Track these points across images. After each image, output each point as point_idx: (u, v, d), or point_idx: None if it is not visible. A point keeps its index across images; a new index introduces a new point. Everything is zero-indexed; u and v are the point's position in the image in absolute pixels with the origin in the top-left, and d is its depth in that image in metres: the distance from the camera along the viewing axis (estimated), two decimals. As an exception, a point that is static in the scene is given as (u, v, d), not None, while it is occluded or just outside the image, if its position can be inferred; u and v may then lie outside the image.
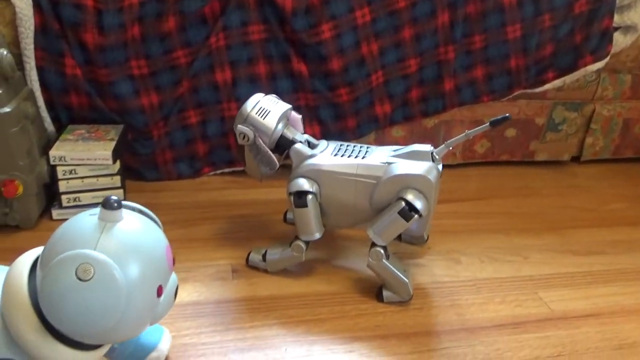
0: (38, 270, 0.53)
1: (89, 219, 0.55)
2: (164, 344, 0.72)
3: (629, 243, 1.10)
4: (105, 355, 0.68)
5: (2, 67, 0.93)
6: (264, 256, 0.94)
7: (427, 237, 1.05)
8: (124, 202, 0.57)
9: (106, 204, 0.54)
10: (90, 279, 0.50)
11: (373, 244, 0.86)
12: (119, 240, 0.53)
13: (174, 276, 0.60)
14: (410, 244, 1.05)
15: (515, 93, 1.28)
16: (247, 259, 0.96)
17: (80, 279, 0.50)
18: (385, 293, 0.88)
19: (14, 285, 0.53)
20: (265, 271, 0.94)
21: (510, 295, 0.92)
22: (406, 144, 0.94)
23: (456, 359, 0.78)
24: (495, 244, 1.07)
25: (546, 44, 1.24)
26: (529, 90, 1.29)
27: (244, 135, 0.89)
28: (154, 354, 0.70)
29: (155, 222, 0.61)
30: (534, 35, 1.22)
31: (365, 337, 0.81)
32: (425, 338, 0.82)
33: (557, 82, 1.28)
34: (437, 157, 0.87)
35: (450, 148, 0.86)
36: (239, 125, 0.89)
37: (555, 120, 1.36)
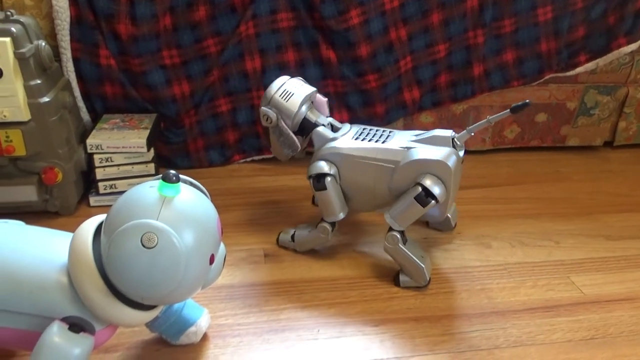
0: (102, 237, 0.56)
1: (149, 190, 0.57)
2: (203, 321, 0.75)
3: (664, 228, 1.08)
4: (147, 323, 0.71)
5: (41, 58, 0.96)
6: (292, 237, 0.96)
7: (455, 224, 1.05)
8: (181, 176, 0.60)
9: (166, 178, 0.56)
10: (154, 246, 0.53)
11: (390, 228, 0.87)
12: (178, 211, 0.56)
13: (222, 246, 0.63)
14: (437, 230, 1.05)
15: (546, 77, 1.27)
16: (277, 239, 0.98)
17: (145, 247, 0.53)
18: (402, 277, 0.89)
19: (80, 250, 0.56)
20: (294, 251, 0.96)
21: (541, 280, 0.92)
22: (434, 129, 0.94)
23: (488, 341, 0.78)
24: (526, 228, 1.06)
25: (578, 26, 1.22)
26: (560, 74, 1.27)
27: (267, 117, 0.91)
28: (192, 329, 0.73)
29: (206, 194, 0.63)
30: (566, 17, 1.20)
31: (397, 320, 0.82)
32: (456, 321, 0.82)
33: (590, 65, 1.26)
34: (458, 142, 0.86)
35: (472, 134, 0.86)
36: (263, 107, 0.91)
37: (587, 104, 1.33)
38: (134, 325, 0.61)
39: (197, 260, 0.57)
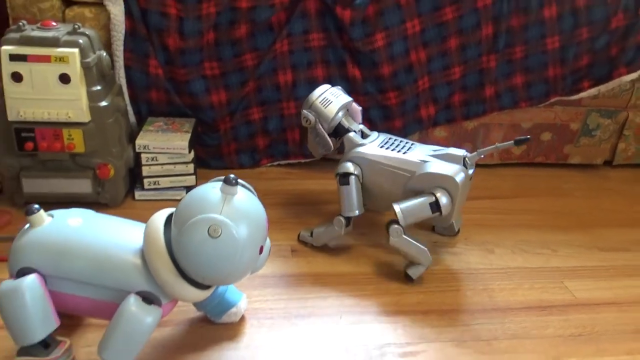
0: (173, 227, 0.68)
1: (212, 190, 0.69)
2: (242, 304, 0.87)
3: (653, 243, 1.19)
4: (195, 303, 0.83)
5: (102, 67, 1.08)
6: (311, 233, 1.08)
7: (458, 230, 1.16)
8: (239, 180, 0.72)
9: (227, 181, 0.68)
10: (219, 236, 0.65)
11: (390, 223, 0.97)
12: (236, 208, 0.68)
13: (268, 240, 0.75)
14: (442, 234, 1.16)
15: (552, 100, 1.38)
16: (298, 236, 1.11)
17: (211, 236, 0.65)
18: (411, 270, 1.00)
19: (154, 237, 0.68)
20: (312, 246, 1.09)
21: (538, 283, 1.03)
22: (447, 144, 1.07)
23: (488, 333, 0.90)
24: (527, 237, 1.17)
25: (583, 55, 1.33)
26: (565, 98, 1.38)
27: (307, 119, 1.06)
28: (233, 310, 0.85)
29: (255, 195, 0.75)
30: (572, 47, 1.31)
31: (408, 312, 0.94)
32: (460, 315, 0.94)
33: (592, 91, 1.37)
34: (469, 162, 0.99)
35: (482, 156, 0.99)
36: (304, 110, 1.06)
37: (589, 125, 1.45)
38: (193, 300, 0.73)
39: (250, 249, 0.69)
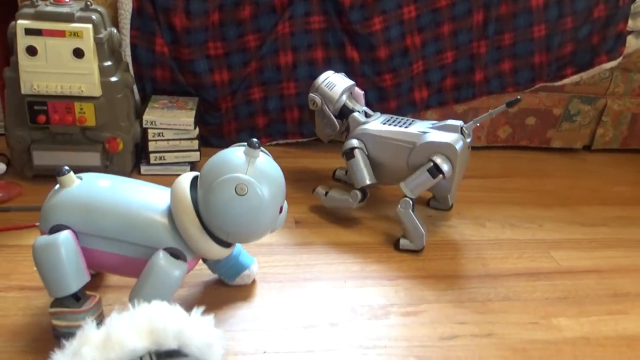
0: (199, 188, 0.73)
1: (236, 153, 0.74)
2: (255, 267, 0.92)
3: (630, 219, 1.28)
4: (209, 266, 0.88)
5: (113, 43, 1.12)
6: (326, 193, 1.14)
7: (452, 204, 1.23)
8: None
9: (251, 144, 0.73)
10: (245, 194, 0.70)
11: (404, 196, 1.05)
12: (260, 170, 0.73)
13: (285, 202, 0.80)
14: (436, 209, 1.23)
15: (537, 86, 1.46)
16: (314, 189, 1.17)
17: (238, 194, 0.69)
18: (402, 241, 1.06)
19: (181, 195, 0.72)
20: (315, 217, 1.15)
21: (526, 253, 1.11)
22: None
23: (482, 295, 0.97)
24: (515, 213, 1.25)
25: (567, 43, 1.41)
26: (549, 84, 1.46)
27: (314, 102, 1.13)
28: (246, 272, 0.90)
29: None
30: (557, 35, 1.39)
31: (408, 277, 1.00)
32: (456, 280, 1.00)
33: (575, 78, 1.46)
34: (466, 131, 1.06)
35: (478, 124, 1.06)
36: (311, 94, 1.13)
37: (570, 111, 1.53)
38: (216, 257, 0.78)
39: (271, 208, 0.74)
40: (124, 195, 0.75)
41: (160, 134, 1.22)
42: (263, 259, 1.01)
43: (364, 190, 1.10)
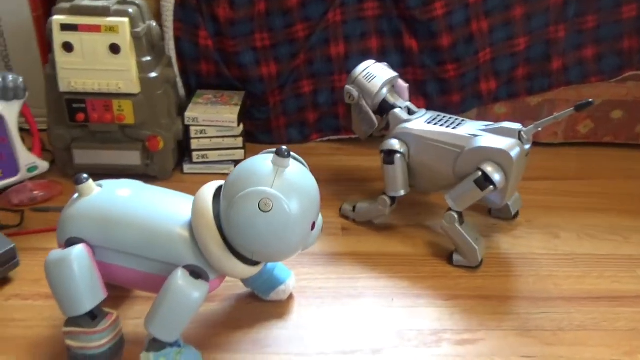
0: (222, 200, 0.65)
1: (263, 162, 0.65)
2: (291, 282, 0.84)
3: None
4: (243, 279, 0.80)
5: (152, 37, 1.06)
6: (354, 207, 1.04)
7: (516, 213, 1.09)
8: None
9: (279, 153, 0.64)
10: (270, 210, 0.61)
11: (449, 209, 0.92)
12: (288, 182, 0.64)
13: (320, 216, 0.71)
14: (498, 218, 1.09)
15: (625, 75, 1.27)
16: (340, 209, 1.07)
17: (262, 210, 0.61)
18: (456, 257, 0.94)
19: (203, 209, 0.65)
20: (354, 221, 1.05)
21: (608, 271, 0.95)
22: (508, 121, 0.99)
23: (552, 323, 0.83)
24: (595, 222, 1.09)
25: (663, 25, 1.22)
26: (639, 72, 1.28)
27: (350, 95, 1.01)
28: (281, 287, 0.82)
29: (307, 169, 0.71)
30: (651, 16, 1.20)
31: (466, 296, 0.88)
32: (523, 302, 0.88)
33: (672, 65, 1.26)
34: (525, 136, 0.91)
35: (540, 129, 0.90)
36: (347, 86, 1.01)
37: (665, 103, 1.33)
38: (241, 277, 0.70)
39: (301, 225, 0.65)
40: (144, 206, 0.69)
41: (203, 132, 1.16)
42: (304, 270, 0.92)
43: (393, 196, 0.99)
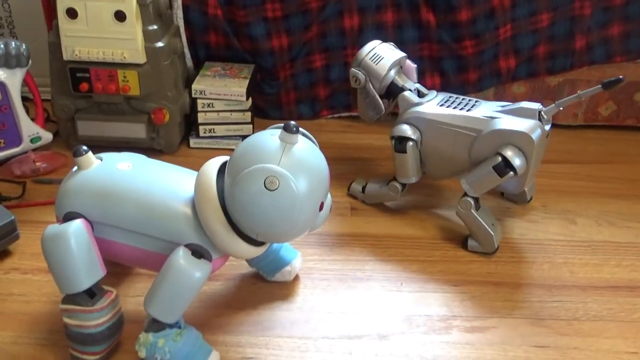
0: (227, 177, 0.62)
1: (270, 138, 0.62)
2: (297, 263, 0.81)
3: None
4: (248, 259, 0.78)
5: (159, 4, 1.02)
6: (363, 188, 1.00)
7: (531, 198, 1.04)
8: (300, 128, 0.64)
9: (287, 128, 0.61)
10: (276, 189, 0.58)
11: (465, 194, 0.88)
12: (296, 159, 0.61)
13: (329, 196, 0.67)
14: (511, 201, 1.05)
15: (653, 54, 1.21)
16: (349, 188, 1.03)
17: (267, 189, 0.58)
18: (471, 242, 0.91)
19: (206, 186, 0.62)
20: (363, 202, 1.01)
21: (626, 260, 0.92)
22: (526, 101, 0.95)
23: (567, 312, 0.80)
24: (614, 208, 1.05)
25: (696, 2, 1.15)
26: (668, 52, 1.21)
27: (356, 79, 0.95)
28: (287, 268, 0.80)
29: (317, 146, 0.67)
30: (684, -7, 1.14)
31: (477, 282, 0.85)
32: (537, 289, 0.84)
33: (703, 45, 1.20)
34: (545, 116, 0.86)
35: (561, 108, 0.85)
36: (352, 69, 0.95)
37: (693, 86, 1.27)
38: (245, 257, 0.68)
39: (309, 205, 0.62)
40: (145, 181, 0.66)
41: (210, 105, 1.13)
42: (310, 250, 0.89)
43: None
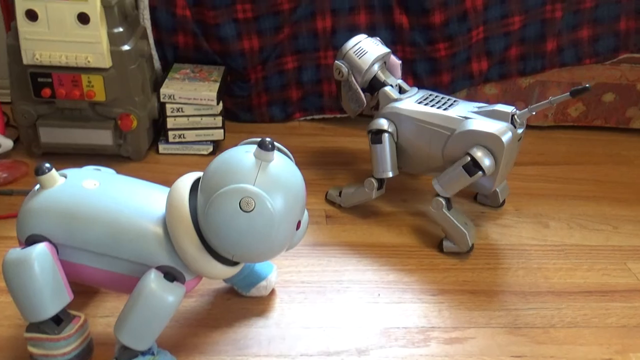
0: (200, 196, 0.59)
1: (245, 155, 0.60)
2: (273, 277, 0.79)
3: None
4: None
5: (125, 6, 0.98)
6: (340, 192, 1.00)
7: (503, 201, 1.05)
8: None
9: (263, 145, 0.58)
10: (252, 210, 0.56)
11: (437, 194, 0.89)
12: (273, 178, 0.59)
13: (306, 213, 0.66)
14: (484, 205, 1.06)
15: (621, 57, 1.23)
16: (326, 195, 1.02)
17: (242, 210, 0.56)
18: (446, 243, 0.91)
19: (178, 205, 0.59)
20: (349, 211, 1.00)
21: (598, 264, 0.93)
22: (498, 102, 0.95)
23: (543, 320, 0.81)
24: (585, 211, 1.06)
25: (662, 6, 1.17)
26: (635, 55, 1.23)
27: (339, 71, 0.96)
28: (263, 283, 0.78)
29: (292, 161, 0.65)
30: (651, -3, 1.15)
31: (454, 291, 0.85)
32: (512, 297, 0.85)
33: (669, 48, 1.22)
34: (518, 120, 0.87)
35: (534, 113, 0.86)
36: (336, 61, 0.96)
37: (659, 87, 1.30)
38: (220, 278, 0.65)
39: (286, 225, 0.60)
40: (113, 200, 0.63)
41: (180, 109, 1.09)
42: (286, 262, 0.88)
43: (380, 178, 0.95)
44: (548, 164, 1.21)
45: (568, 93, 0.82)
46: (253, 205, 0.56)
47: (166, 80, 1.10)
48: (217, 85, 1.10)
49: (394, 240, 0.95)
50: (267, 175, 0.58)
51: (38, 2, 0.91)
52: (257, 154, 0.59)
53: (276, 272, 0.81)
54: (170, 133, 1.11)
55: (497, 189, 1.01)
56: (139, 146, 1.08)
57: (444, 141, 0.89)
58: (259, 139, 0.60)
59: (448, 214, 0.89)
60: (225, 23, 1.14)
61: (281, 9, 1.14)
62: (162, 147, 1.12)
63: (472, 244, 0.91)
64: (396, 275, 0.87)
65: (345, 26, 1.16)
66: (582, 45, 1.21)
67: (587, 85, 0.80)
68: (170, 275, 0.61)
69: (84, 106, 1.01)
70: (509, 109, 0.87)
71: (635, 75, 1.28)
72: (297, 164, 0.66)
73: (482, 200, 1.06)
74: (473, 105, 0.91)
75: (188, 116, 1.10)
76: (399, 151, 0.95)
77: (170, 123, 1.10)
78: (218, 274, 0.63)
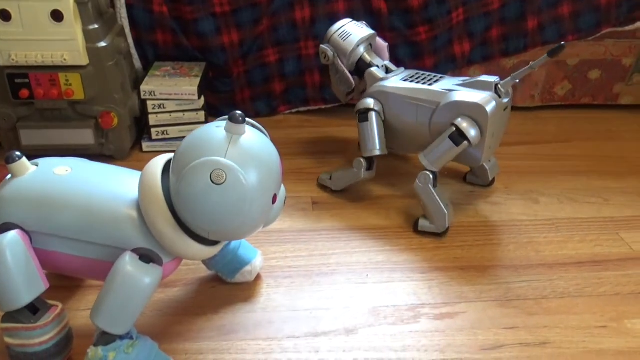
0: (172, 174, 0.58)
1: (216, 130, 0.59)
2: (258, 262, 0.78)
3: None
4: (205, 261, 0.74)
5: (99, 2, 0.97)
6: (331, 176, 1.00)
7: (493, 179, 1.04)
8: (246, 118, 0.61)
9: (233, 118, 0.58)
10: (223, 183, 0.55)
11: (424, 169, 0.88)
12: (244, 150, 0.57)
13: (283, 188, 0.64)
14: (473, 184, 1.04)
15: (603, 32, 1.22)
16: (318, 179, 1.02)
17: (214, 183, 0.55)
18: (422, 222, 0.90)
19: (150, 185, 0.58)
20: (336, 197, 0.99)
21: (590, 235, 0.92)
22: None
23: (535, 292, 0.79)
24: (575, 185, 1.05)
25: (641, -23, 1.17)
26: (618, 29, 1.23)
27: (325, 55, 0.97)
28: (247, 268, 0.76)
29: (267, 136, 0.64)
30: (629, -31, 1.15)
31: (444, 268, 0.84)
32: (503, 271, 0.83)
33: (650, 20, 1.21)
34: (502, 89, 0.87)
35: (517, 80, 0.86)
36: (322, 45, 0.97)
37: (644, 61, 1.29)
38: (198, 258, 0.64)
39: (261, 198, 0.59)
40: (85, 185, 0.62)
41: (161, 106, 1.08)
42: (272, 248, 0.86)
43: (370, 158, 0.94)
44: (536, 143, 1.20)
45: (546, 55, 0.81)
46: (224, 178, 0.55)
47: (146, 78, 1.10)
48: (198, 79, 1.10)
49: (382, 223, 0.94)
50: (238, 147, 0.57)
51: (11, 2, 0.91)
52: (227, 127, 0.58)
53: (261, 257, 0.79)
54: (153, 130, 1.10)
55: (487, 167, 1.00)
56: (122, 145, 1.07)
57: (430, 115, 0.89)
58: (230, 114, 0.59)
59: (433, 190, 0.88)
60: (204, 18, 1.13)
61: (259, 1, 1.14)
62: (145, 145, 1.11)
63: (448, 227, 0.89)
64: (385, 255, 0.86)
65: (324, 15, 1.16)
66: (563, 22, 1.20)
67: (562, 43, 0.79)
68: (147, 257, 0.60)
69: (64, 106, 1.00)
70: (492, 78, 0.88)
71: (620, 50, 1.27)
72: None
73: (471, 180, 1.05)
74: (458, 80, 0.92)
75: (170, 112, 1.09)
76: (387, 130, 0.94)
77: (152, 120, 1.09)
78: (195, 254, 0.61)
